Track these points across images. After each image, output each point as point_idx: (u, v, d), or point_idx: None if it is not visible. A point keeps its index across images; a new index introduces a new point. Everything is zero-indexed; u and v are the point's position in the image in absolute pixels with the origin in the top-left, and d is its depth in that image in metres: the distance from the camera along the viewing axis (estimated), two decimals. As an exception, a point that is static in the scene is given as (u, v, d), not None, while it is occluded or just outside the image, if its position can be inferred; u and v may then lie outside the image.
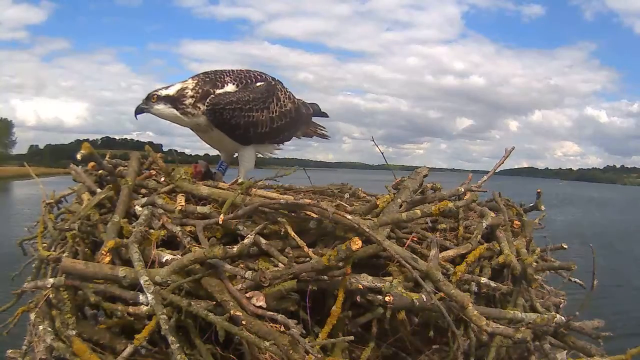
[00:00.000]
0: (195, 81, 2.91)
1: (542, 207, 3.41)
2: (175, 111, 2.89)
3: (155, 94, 2.91)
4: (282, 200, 2.41)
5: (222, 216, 2.33)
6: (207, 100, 2.83)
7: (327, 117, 3.75)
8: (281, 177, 2.86)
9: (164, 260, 2.31)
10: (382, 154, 3.28)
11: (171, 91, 2.89)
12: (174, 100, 2.88)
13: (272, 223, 2.40)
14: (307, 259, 2.25)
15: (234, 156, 3.22)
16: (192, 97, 2.86)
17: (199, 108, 2.86)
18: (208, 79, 2.92)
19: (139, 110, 2.98)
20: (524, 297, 2.67)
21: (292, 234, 2.33)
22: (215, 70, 3.00)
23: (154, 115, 2.97)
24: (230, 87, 2.90)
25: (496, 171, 3.23)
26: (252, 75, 3.02)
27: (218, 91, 2.87)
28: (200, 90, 2.87)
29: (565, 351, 2.75)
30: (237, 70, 3.03)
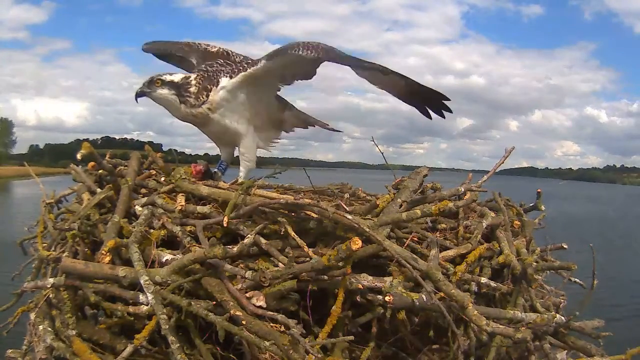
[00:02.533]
0: (195, 74, 2.96)
1: (542, 207, 3.41)
2: (176, 98, 2.91)
3: (160, 79, 2.93)
4: (282, 200, 2.40)
5: (226, 219, 2.33)
6: None
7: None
8: (279, 173, 2.87)
9: (164, 260, 2.31)
10: (382, 153, 3.27)
11: (176, 78, 2.92)
12: (178, 87, 2.90)
13: (272, 223, 2.40)
14: (307, 258, 2.25)
15: (235, 155, 3.22)
16: (195, 86, 2.90)
17: (200, 100, 2.89)
18: (206, 76, 2.96)
19: (140, 94, 2.99)
20: (524, 297, 2.67)
21: (292, 233, 2.33)
22: (207, 68, 3.04)
23: (152, 100, 2.99)
24: (224, 81, 2.93)
25: (496, 171, 3.23)
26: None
27: (221, 84, 2.92)
28: (201, 82, 2.92)
29: (565, 351, 2.75)
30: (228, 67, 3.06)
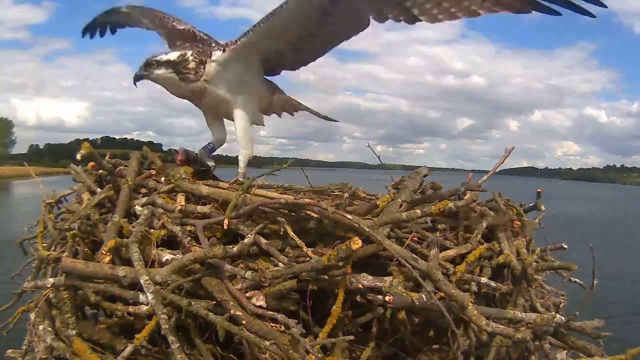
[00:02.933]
0: (191, 51, 2.98)
1: (542, 207, 3.41)
2: (175, 76, 2.93)
3: (155, 60, 2.93)
4: (282, 199, 2.41)
5: (226, 221, 2.33)
6: None
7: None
8: (278, 170, 2.88)
9: (164, 260, 2.31)
10: (379, 157, 3.30)
11: (172, 57, 2.94)
12: (176, 65, 2.92)
13: (272, 223, 2.40)
14: (307, 258, 2.25)
15: (225, 141, 3.25)
16: (193, 61, 2.93)
17: (199, 74, 2.92)
18: (201, 51, 2.99)
19: (138, 78, 3.00)
20: (524, 297, 2.67)
21: (292, 233, 2.33)
22: (201, 45, 3.09)
23: (151, 81, 3.00)
24: (217, 54, 2.97)
25: (496, 171, 3.23)
26: None
27: (214, 57, 2.95)
28: (197, 58, 2.94)
29: (565, 351, 2.75)
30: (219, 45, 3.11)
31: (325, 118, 3.56)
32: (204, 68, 2.94)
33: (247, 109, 3.09)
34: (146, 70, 2.95)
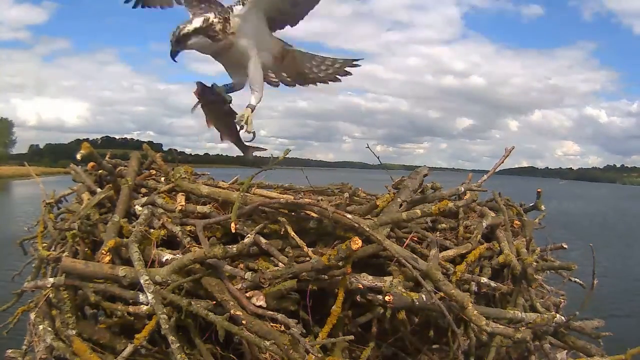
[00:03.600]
0: (212, 13, 3.05)
1: (542, 207, 3.41)
2: (207, 40, 3.01)
3: (184, 34, 2.98)
4: (282, 199, 2.41)
5: (233, 225, 2.33)
6: None
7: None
8: (277, 160, 2.89)
9: (164, 259, 2.31)
10: (379, 157, 3.31)
11: (197, 24, 3.00)
12: (205, 30, 3.00)
13: (272, 222, 2.40)
14: (307, 258, 2.25)
15: (243, 84, 3.30)
16: (219, 23, 3.01)
17: (227, 32, 3.01)
18: (220, 9, 3.07)
19: (174, 54, 3.07)
20: (524, 297, 2.67)
21: (292, 233, 2.33)
22: (217, 7, 3.16)
23: (187, 51, 3.09)
24: (237, 8, 3.05)
25: (496, 171, 3.23)
26: None
27: (236, 12, 3.03)
28: (221, 17, 3.02)
29: (565, 351, 2.75)
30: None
31: (345, 64, 3.59)
32: (230, 24, 3.02)
33: (261, 58, 3.17)
34: (179, 46, 3.01)
